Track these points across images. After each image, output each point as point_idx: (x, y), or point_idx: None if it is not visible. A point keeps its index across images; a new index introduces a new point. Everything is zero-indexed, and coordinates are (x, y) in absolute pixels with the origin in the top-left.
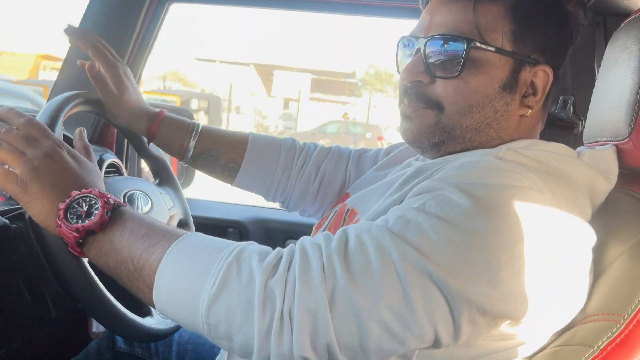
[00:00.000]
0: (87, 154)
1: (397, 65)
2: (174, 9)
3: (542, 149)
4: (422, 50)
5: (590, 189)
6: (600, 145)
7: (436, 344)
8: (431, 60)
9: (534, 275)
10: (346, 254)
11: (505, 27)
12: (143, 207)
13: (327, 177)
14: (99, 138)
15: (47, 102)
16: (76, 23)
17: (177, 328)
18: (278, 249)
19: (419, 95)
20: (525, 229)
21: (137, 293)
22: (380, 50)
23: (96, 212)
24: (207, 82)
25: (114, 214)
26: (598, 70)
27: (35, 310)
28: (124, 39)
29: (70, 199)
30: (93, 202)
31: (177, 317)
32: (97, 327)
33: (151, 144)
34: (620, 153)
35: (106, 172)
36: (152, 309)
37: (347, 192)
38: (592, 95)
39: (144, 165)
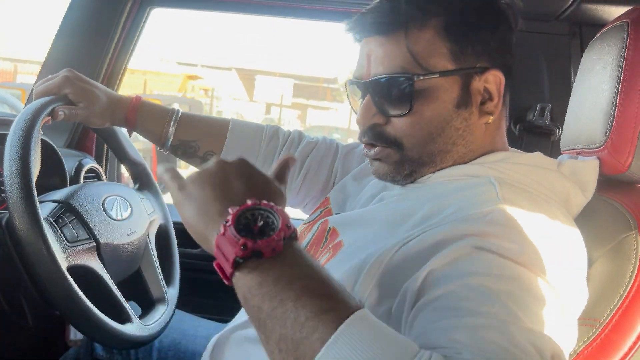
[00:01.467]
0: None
1: (352, 106)
2: (155, 14)
3: (517, 162)
4: (370, 93)
5: (565, 200)
6: (577, 153)
7: None
8: (380, 102)
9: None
10: None
11: (442, 48)
12: (122, 212)
13: (311, 173)
14: (78, 143)
15: (25, 106)
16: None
17: (158, 334)
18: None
19: (377, 135)
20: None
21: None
22: None
23: (272, 233)
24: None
25: (290, 244)
26: (574, 79)
27: (12, 317)
28: (104, 44)
29: (246, 206)
30: (271, 220)
31: None
32: (75, 334)
33: (132, 147)
34: None
35: (85, 178)
36: (132, 315)
37: (327, 197)
38: (569, 104)
39: (123, 170)
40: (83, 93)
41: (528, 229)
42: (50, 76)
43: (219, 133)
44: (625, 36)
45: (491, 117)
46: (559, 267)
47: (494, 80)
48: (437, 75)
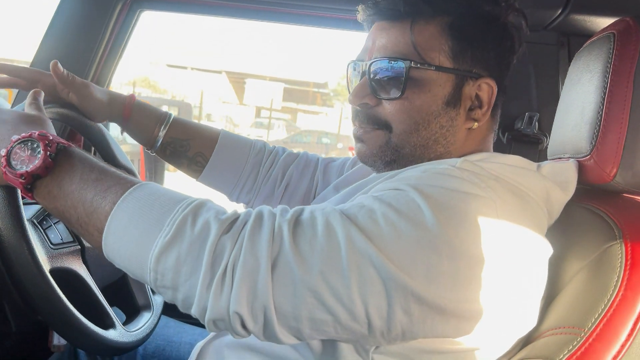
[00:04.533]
0: (38, 108)
1: (349, 87)
2: (145, 17)
3: (498, 161)
4: (367, 74)
5: (545, 199)
6: (564, 160)
7: (370, 328)
8: (375, 83)
9: (477, 279)
10: (296, 225)
11: (443, 45)
12: None
13: (292, 183)
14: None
15: (12, 106)
16: (44, 29)
17: (142, 341)
18: (235, 209)
19: (368, 117)
20: (471, 234)
21: (85, 236)
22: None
23: (39, 155)
24: (178, 89)
25: (61, 156)
26: (562, 88)
27: None
28: (93, 46)
29: (10, 145)
30: (35, 145)
31: (124, 262)
32: (58, 339)
33: (120, 151)
34: (581, 169)
35: None
36: (115, 321)
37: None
38: (556, 113)
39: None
40: (75, 86)
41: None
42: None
43: (210, 137)
44: (612, 47)
45: (476, 124)
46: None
47: (486, 89)
48: (433, 68)
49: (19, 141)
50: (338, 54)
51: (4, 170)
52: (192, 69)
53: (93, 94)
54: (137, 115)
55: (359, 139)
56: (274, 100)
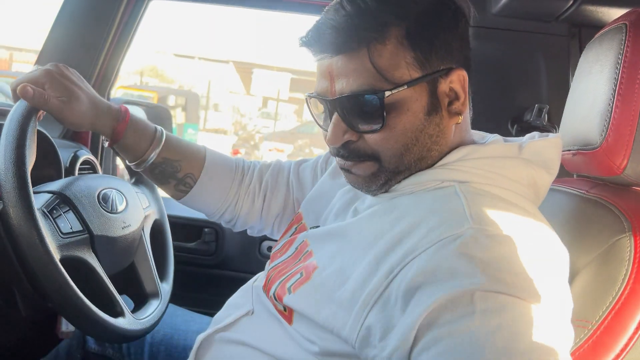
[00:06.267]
0: None
1: (315, 119)
2: (153, 5)
3: (479, 156)
4: (338, 111)
5: (532, 185)
6: (573, 154)
7: None
8: (350, 119)
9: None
10: None
11: (406, 57)
12: (118, 206)
13: (269, 191)
14: (74, 134)
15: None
16: (53, 17)
17: (150, 329)
18: None
19: (353, 152)
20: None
21: None
22: None
23: None
24: (185, 78)
25: None
26: (572, 80)
27: (5, 309)
28: (102, 34)
29: None
30: None
31: None
32: (66, 326)
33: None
34: (591, 162)
35: (80, 169)
36: (124, 309)
37: (300, 212)
38: (566, 104)
39: (119, 162)
40: (61, 89)
41: (507, 253)
42: (31, 69)
43: (197, 157)
44: (624, 38)
45: (460, 117)
46: (545, 283)
47: (458, 79)
48: (405, 87)
49: None
50: None
51: None
52: (199, 58)
53: (74, 107)
54: (131, 136)
55: (347, 170)
56: (281, 90)
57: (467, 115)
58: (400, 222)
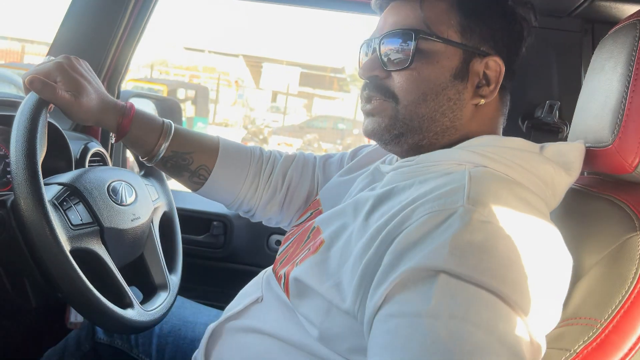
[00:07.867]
0: None
1: (359, 67)
2: None
3: (500, 144)
4: (377, 48)
5: (550, 182)
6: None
7: None
8: (385, 56)
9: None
10: None
11: (452, 20)
12: (127, 198)
13: (293, 185)
14: (85, 127)
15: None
16: (64, 10)
17: (159, 320)
18: None
19: (376, 87)
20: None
21: None
22: None
23: None
24: (195, 72)
25: None
26: (585, 77)
27: (16, 299)
28: (113, 28)
29: None
30: None
31: None
32: (75, 316)
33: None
34: (602, 159)
35: (90, 162)
36: (133, 300)
37: (317, 199)
38: (578, 101)
39: (129, 154)
40: (72, 83)
41: (489, 242)
42: (43, 60)
43: (210, 148)
44: (637, 35)
45: (483, 100)
46: (523, 288)
47: (494, 66)
48: (441, 41)
49: None
50: (356, 39)
51: None
52: (209, 52)
53: (83, 102)
54: (137, 130)
55: (367, 113)
56: (290, 84)
57: (493, 107)
58: (406, 199)
